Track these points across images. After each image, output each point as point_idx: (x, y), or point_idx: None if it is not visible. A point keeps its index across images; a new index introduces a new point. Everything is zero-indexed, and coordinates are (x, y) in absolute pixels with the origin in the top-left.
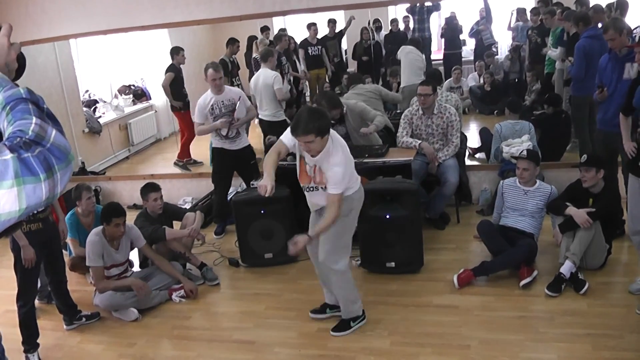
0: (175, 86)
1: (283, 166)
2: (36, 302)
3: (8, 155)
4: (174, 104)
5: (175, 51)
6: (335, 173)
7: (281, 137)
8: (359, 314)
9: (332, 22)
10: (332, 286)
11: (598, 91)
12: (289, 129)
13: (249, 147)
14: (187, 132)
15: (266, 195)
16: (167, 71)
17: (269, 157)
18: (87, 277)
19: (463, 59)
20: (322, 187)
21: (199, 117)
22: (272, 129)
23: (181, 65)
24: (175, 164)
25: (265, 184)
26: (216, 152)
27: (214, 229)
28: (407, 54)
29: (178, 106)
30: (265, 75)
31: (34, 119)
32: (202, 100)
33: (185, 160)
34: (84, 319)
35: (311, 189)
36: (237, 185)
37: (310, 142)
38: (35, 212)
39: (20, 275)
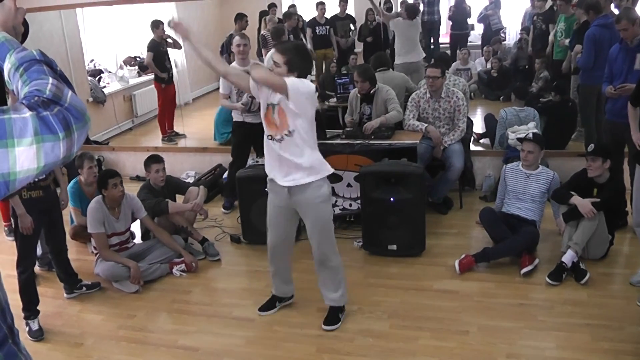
0: (157, 61)
1: None
2: (37, 269)
3: (27, 114)
4: (161, 76)
5: (156, 25)
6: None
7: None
8: (346, 301)
9: (343, 2)
10: (328, 278)
11: (610, 89)
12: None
13: None
14: (161, 106)
15: None
16: (147, 49)
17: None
18: (88, 246)
19: (471, 43)
20: (285, 134)
21: (224, 88)
22: None
23: (163, 38)
24: (162, 140)
25: None
26: (236, 126)
27: (222, 203)
28: (408, 27)
29: (165, 77)
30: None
31: (50, 79)
32: None
33: (168, 133)
34: (84, 289)
35: (279, 139)
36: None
37: (278, 66)
38: (37, 179)
39: (20, 242)
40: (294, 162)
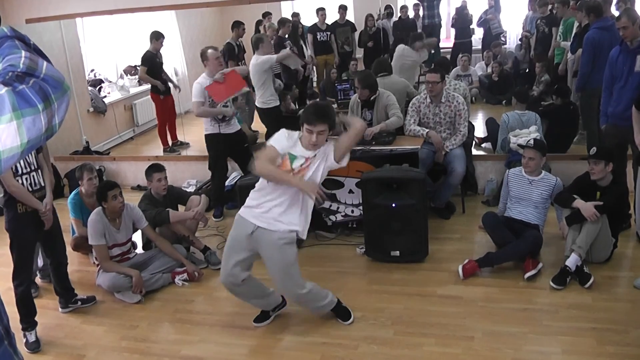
0: (153, 73)
1: None
2: (39, 280)
3: (3, 90)
4: (159, 87)
5: (156, 36)
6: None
7: (271, 143)
8: (335, 301)
9: (342, 8)
10: (314, 302)
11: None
12: (278, 135)
13: (241, 131)
14: (161, 118)
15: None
16: (141, 62)
17: (271, 167)
18: (90, 257)
19: (472, 48)
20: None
21: (199, 96)
22: (265, 117)
23: (159, 51)
24: (165, 151)
25: (312, 190)
26: (211, 139)
27: (212, 213)
28: (399, 56)
29: (162, 89)
30: (255, 61)
31: (23, 53)
32: (203, 80)
33: (171, 144)
34: (79, 303)
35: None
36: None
37: (322, 133)
38: (31, 190)
39: (17, 254)
40: (284, 210)
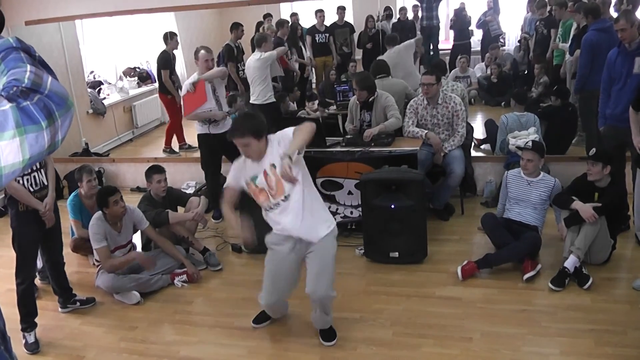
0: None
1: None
2: (38, 282)
3: (7, 106)
4: (174, 92)
5: (170, 36)
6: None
7: (226, 183)
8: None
9: (341, 9)
10: (322, 311)
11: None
12: (230, 172)
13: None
14: (172, 118)
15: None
16: (161, 66)
17: (227, 208)
18: (89, 259)
19: (471, 50)
20: (282, 199)
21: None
22: (264, 114)
23: (174, 51)
24: (163, 151)
25: (246, 236)
26: (202, 139)
27: (212, 214)
28: (397, 54)
29: (172, 92)
30: (258, 57)
31: (29, 67)
32: (193, 79)
33: (178, 147)
34: (78, 304)
35: (275, 206)
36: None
37: (247, 146)
38: (32, 190)
39: (18, 252)
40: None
